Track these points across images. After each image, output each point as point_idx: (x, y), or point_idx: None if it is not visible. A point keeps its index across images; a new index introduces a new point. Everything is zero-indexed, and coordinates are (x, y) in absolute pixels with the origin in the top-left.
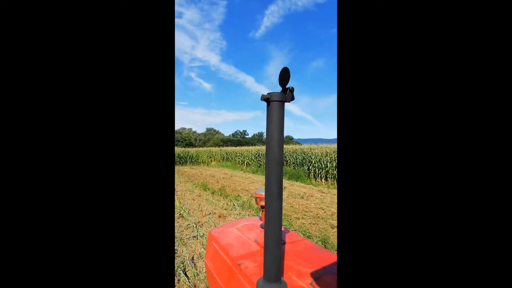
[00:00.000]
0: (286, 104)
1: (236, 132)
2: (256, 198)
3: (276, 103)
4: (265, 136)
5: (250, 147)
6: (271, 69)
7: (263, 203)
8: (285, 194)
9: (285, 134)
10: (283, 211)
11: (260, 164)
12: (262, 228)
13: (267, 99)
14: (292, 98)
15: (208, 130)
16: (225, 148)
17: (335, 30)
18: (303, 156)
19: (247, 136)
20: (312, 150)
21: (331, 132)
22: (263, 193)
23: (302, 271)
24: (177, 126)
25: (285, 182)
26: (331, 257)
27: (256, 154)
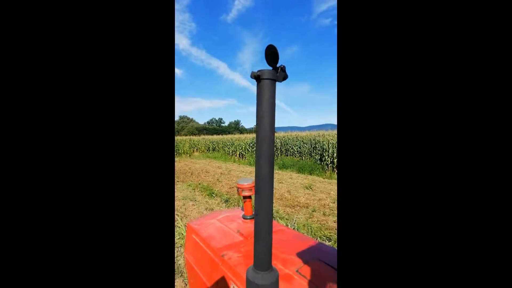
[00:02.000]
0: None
1: (211, 120)
2: (238, 188)
3: (267, 81)
4: (256, 117)
5: (236, 135)
6: (245, 56)
7: (245, 194)
8: (311, 197)
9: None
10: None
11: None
12: (244, 218)
13: (257, 76)
14: (284, 78)
15: (182, 118)
16: (209, 136)
17: (308, 17)
18: (312, 144)
19: (223, 125)
20: (322, 137)
21: (305, 120)
22: (245, 183)
23: (287, 259)
24: None
25: (295, 176)
26: (313, 243)
27: (251, 143)
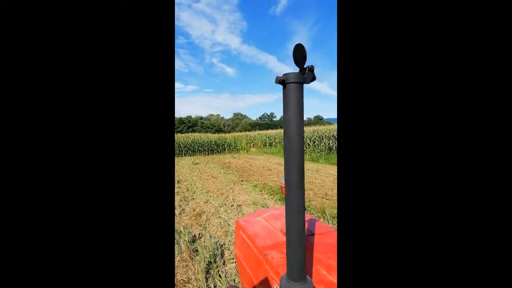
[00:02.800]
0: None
1: (263, 115)
2: (281, 188)
3: (293, 85)
4: (283, 123)
5: None
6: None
7: None
8: None
9: (313, 114)
10: None
11: (321, 150)
12: None
13: (282, 81)
14: (313, 78)
15: (235, 115)
16: (264, 131)
17: None
18: None
19: (274, 119)
20: None
21: None
22: None
23: (332, 265)
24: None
25: None
26: None
27: (311, 137)
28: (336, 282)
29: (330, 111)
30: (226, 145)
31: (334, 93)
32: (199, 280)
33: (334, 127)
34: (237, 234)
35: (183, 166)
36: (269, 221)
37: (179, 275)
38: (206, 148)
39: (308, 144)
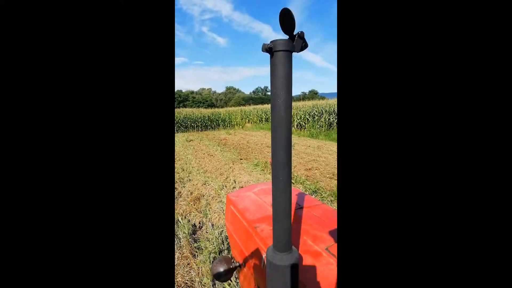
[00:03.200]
0: (304, 53)
1: (257, 89)
2: (271, 164)
3: (281, 54)
4: (270, 94)
5: (298, 103)
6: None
7: None
8: None
9: (308, 89)
10: None
11: (321, 125)
12: None
13: (269, 48)
14: (304, 46)
15: (228, 89)
16: (260, 106)
17: None
18: None
19: (269, 93)
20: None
21: None
22: None
23: (318, 235)
24: (196, 87)
25: None
26: None
27: (311, 112)
28: (321, 251)
29: (325, 85)
30: (220, 121)
31: (329, 66)
32: (205, 285)
33: (334, 101)
34: (228, 208)
35: (176, 143)
36: (259, 196)
37: (180, 276)
38: (199, 124)
39: (307, 119)
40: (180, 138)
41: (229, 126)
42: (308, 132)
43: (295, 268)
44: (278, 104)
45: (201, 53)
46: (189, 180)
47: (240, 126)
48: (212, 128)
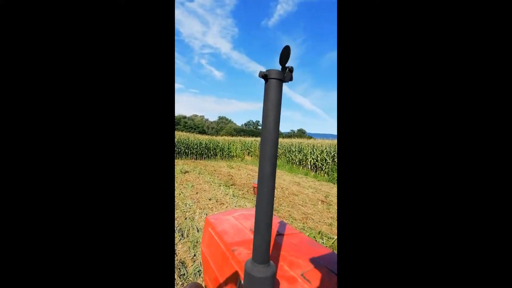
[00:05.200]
0: (294, 96)
1: (248, 122)
2: (254, 188)
3: (274, 81)
4: (262, 116)
5: (303, 140)
6: None
7: None
8: None
9: (297, 127)
10: None
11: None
12: None
13: (265, 75)
14: (291, 79)
15: (220, 118)
16: (259, 138)
17: None
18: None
19: (260, 127)
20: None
21: None
22: None
23: (294, 262)
24: (189, 113)
25: None
26: (325, 251)
27: (327, 150)
28: (296, 276)
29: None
30: (218, 150)
31: (316, 109)
32: None
33: (331, 142)
34: (206, 231)
35: None
36: (239, 220)
37: None
38: (194, 151)
39: (325, 159)
40: None
41: (227, 156)
42: (327, 176)
43: (272, 280)
44: (268, 122)
45: (197, 83)
46: (194, 256)
47: (240, 158)
48: (208, 157)
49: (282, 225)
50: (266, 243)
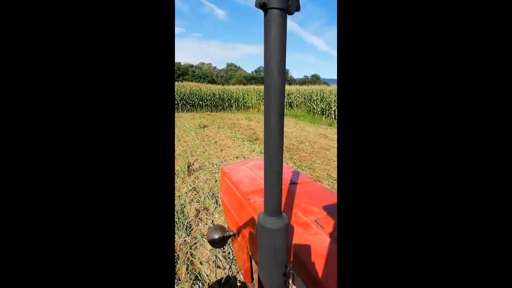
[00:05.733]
0: (306, 35)
1: (259, 68)
2: None
3: (276, 12)
4: (263, 59)
5: (324, 86)
6: None
7: None
8: None
9: (310, 73)
10: None
11: None
12: None
13: (263, 4)
14: (297, 8)
15: (229, 65)
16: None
17: None
18: None
19: None
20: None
21: None
22: None
23: (307, 209)
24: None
25: None
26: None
27: None
28: (310, 222)
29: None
30: (233, 101)
31: (330, 50)
32: None
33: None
34: (223, 180)
35: (185, 129)
36: (253, 170)
37: None
38: (208, 103)
39: None
40: (189, 121)
41: (243, 107)
42: None
43: (284, 231)
44: (271, 67)
45: (199, 25)
46: None
47: (257, 109)
48: (223, 108)
49: (295, 173)
50: (277, 196)
